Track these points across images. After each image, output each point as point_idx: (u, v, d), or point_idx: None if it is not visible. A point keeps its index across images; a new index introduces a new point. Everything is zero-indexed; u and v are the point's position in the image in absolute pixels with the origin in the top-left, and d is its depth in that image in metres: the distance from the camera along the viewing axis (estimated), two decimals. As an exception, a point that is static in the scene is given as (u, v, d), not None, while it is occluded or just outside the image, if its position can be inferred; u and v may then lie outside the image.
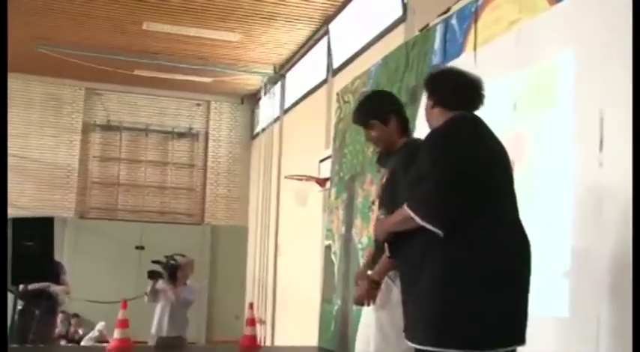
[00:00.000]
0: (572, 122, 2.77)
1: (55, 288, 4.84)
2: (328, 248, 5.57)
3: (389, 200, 2.25)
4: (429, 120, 2.08)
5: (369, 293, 2.28)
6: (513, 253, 1.91)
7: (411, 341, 1.94)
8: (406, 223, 1.90)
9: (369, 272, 2.34)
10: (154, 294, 4.79)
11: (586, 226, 2.63)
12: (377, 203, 2.43)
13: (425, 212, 1.85)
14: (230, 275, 9.10)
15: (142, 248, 8.55)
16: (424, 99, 2.14)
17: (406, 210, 1.89)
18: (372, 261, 2.39)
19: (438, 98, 2.03)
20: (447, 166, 1.84)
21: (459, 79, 2.05)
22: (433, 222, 1.84)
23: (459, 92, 2.01)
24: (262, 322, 7.86)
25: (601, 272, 2.49)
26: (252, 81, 8.86)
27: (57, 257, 4.99)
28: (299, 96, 7.64)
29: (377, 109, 2.39)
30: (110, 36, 7.26)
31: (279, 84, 8.44)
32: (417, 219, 1.86)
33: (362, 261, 2.69)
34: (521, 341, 1.89)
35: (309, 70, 7.35)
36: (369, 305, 2.31)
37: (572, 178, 2.74)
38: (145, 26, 6.89)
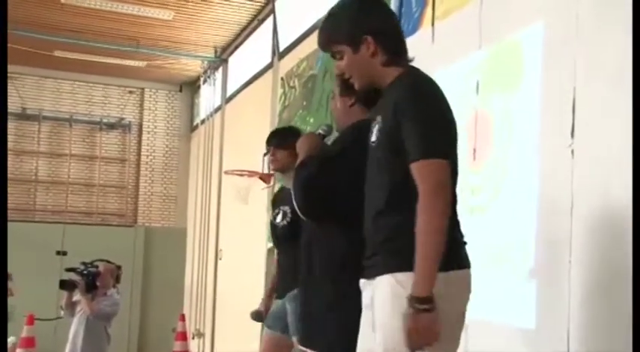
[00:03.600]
0: (541, 106, 2.62)
1: None
2: (271, 251, 5.33)
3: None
4: (345, 116, 2.14)
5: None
6: None
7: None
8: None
9: None
10: (71, 307, 4.48)
11: (555, 223, 2.49)
12: None
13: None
14: (166, 283, 8.76)
15: (64, 253, 8.12)
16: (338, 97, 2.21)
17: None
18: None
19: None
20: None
21: None
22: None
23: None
24: (200, 335, 7.59)
25: (570, 276, 2.34)
26: (191, 66, 8.55)
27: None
28: (243, 82, 7.38)
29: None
30: (24, 10, 6.81)
31: (220, 69, 8.16)
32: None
33: None
34: None
35: (253, 54, 7.10)
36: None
37: (540, 169, 2.58)
38: (63, -1, 6.49)
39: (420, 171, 1.53)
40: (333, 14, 1.79)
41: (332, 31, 1.74)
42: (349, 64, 1.71)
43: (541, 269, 2.51)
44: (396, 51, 1.69)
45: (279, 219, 2.91)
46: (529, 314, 2.49)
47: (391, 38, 1.69)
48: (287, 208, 2.85)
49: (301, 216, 2.04)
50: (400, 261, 1.54)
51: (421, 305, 1.43)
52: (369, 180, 1.69)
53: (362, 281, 1.68)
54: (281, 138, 2.91)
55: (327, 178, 1.96)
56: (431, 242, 1.48)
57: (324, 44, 1.78)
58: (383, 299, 1.56)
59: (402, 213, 1.57)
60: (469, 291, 1.60)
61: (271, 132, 3.12)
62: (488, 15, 2.94)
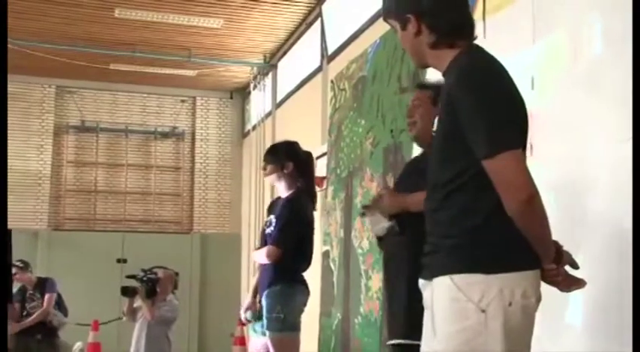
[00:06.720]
0: (599, 99, 2.56)
1: (52, 317, 5.50)
2: (326, 254, 5.37)
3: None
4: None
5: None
6: None
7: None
8: None
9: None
10: (132, 313, 4.63)
11: (615, 217, 2.42)
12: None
13: None
14: (223, 289, 8.90)
15: (125, 261, 8.38)
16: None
17: None
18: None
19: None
20: None
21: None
22: None
23: None
24: (258, 340, 7.65)
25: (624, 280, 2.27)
26: (241, 73, 8.69)
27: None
28: (292, 87, 7.45)
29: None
30: (80, 26, 7.08)
31: (270, 75, 8.26)
32: None
33: None
34: None
35: (302, 58, 7.16)
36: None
37: (598, 163, 2.52)
38: (117, 13, 6.71)
39: (490, 170, 1.46)
40: None
41: (387, 6, 1.76)
42: (401, 40, 1.71)
43: (601, 265, 2.44)
44: (449, 32, 1.59)
45: (268, 227, 3.29)
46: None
47: (440, 18, 1.59)
48: (272, 217, 3.26)
49: None
50: (459, 261, 1.52)
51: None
52: (429, 172, 1.64)
53: (421, 282, 1.66)
54: (268, 154, 3.42)
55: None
56: (539, 241, 1.54)
57: (383, 17, 1.80)
58: (441, 304, 1.54)
59: (462, 208, 1.53)
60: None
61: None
62: (542, 8, 2.89)
